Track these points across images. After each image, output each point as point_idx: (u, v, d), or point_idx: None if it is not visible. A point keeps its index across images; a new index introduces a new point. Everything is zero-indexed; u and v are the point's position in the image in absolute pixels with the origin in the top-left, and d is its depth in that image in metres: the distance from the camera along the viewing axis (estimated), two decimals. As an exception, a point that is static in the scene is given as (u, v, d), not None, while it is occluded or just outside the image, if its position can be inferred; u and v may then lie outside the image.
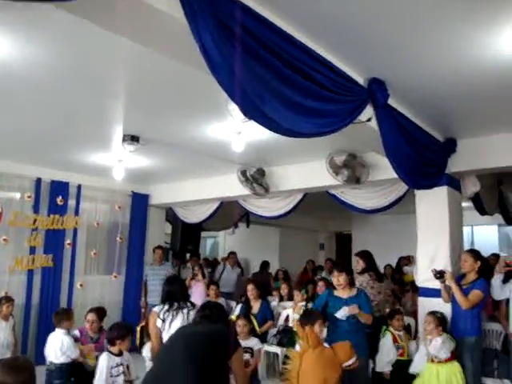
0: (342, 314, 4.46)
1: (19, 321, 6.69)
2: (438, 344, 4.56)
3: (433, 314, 4.88)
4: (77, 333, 5.25)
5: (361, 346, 4.24)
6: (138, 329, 5.29)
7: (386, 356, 5.11)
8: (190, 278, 8.15)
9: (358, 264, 5.82)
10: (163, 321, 4.20)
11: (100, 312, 5.39)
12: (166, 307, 4.29)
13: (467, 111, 4.68)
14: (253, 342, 4.89)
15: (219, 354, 2.96)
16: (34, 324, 7.19)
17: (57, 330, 4.94)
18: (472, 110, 4.65)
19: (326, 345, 2.98)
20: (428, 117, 4.87)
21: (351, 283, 4.70)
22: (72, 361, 4.83)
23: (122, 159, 6.45)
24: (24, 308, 7.08)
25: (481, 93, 4.19)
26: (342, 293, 4.61)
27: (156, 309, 4.37)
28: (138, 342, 5.19)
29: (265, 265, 11.25)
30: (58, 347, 4.78)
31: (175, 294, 4.40)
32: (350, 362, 2.74)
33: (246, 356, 4.64)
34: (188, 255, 10.61)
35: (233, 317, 5.54)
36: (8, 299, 5.75)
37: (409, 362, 4.98)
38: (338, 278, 4.61)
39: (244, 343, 4.56)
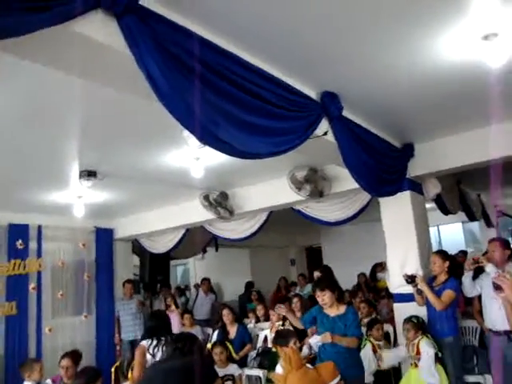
0: (314, 341, 4.37)
1: (-15, 376, 6.39)
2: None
3: (410, 320, 4.89)
4: (49, 382, 5.01)
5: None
6: (113, 369, 5.12)
7: (367, 366, 5.06)
8: (164, 309, 7.98)
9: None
10: (153, 356, 4.18)
11: (75, 356, 5.13)
12: (155, 342, 4.26)
13: (420, 116, 4.76)
14: (232, 369, 4.79)
15: None
16: (1, 378, 6.79)
17: (25, 382, 4.71)
18: (425, 114, 4.73)
19: (308, 365, 2.92)
20: (383, 125, 4.93)
21: (339, 299, 4.41)
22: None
23: (81, 195, 6.29)
24: (-11, 361, 6.75)
25: (429, 97, 4.27)
26: (330, 310, 4.27)
27: (144, 343, 4.34)
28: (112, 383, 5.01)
29: (249, 285, 11.18)
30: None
31: (160, 328, 4.35)
32: (334, 382, 2.70)
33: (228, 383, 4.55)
34: (158, 286, 10.41)
35: (209, 345, 5.41)
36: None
37: (388, 371, 4.96)
38: (322, 298, 4.26)
39: (223, 371, 4.47)
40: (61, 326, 7.77)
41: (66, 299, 7.96)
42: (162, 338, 4.28)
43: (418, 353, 4.66)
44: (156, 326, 4.44)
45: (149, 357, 4.19)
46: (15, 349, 6.98)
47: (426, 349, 4.62)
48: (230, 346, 5.44)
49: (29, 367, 4.82)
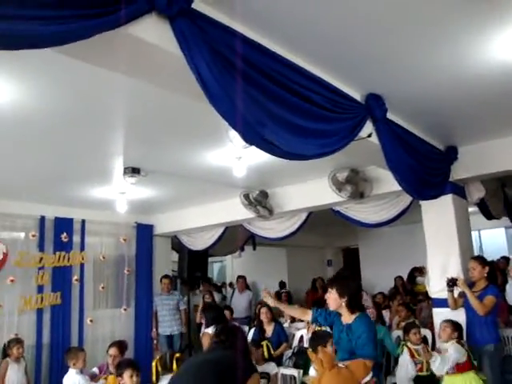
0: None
1: (31, 362, 6.64)
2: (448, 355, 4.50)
3: (449, 320, 4.83)
4: (95, 370, 5.21)
5: None
6: (154, 363, 5.24)
7: (405, 373, 5.02)
8: (203, 305, 8.09)
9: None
10: None
11: (121, 346, 5.33)
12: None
13: (465, 118, 4.68)
14: (269, 367, 4.81)
15: (228, 382, 2.93)
16: (46, 364, 7.09)
17: (70, 370, 4.89)
18: (470, 117, 4.65)
19: (340, 364, 2.92)
20: (427, 127, 4.87)
21: (351, 306, 3.53)
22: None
23: (124, 191, 6.44)
24: (35, 348, 7.00)
25: (477, 99, 4.18)
26: (343, 317, 3.60)
27: (209, 330, 4.41)
28: (153, 376, 5.13)
29: (282, 285, 11.22)
30: (73, 388, 4.73)
31: (222, 317, 4.46)
32: (368, 378, 2.70)
33: (263, 382, 4.58)
34: (200, 282, 10.51)
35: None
36: (18, 341, 5.71)
37: (428, 376, 4.89)
38: (327, 296, 3.67)
39: (259, 369, 4.50)
40: (101, 318, 7.98)
41: (106, 292, 8.18)
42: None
43: None
44: (218, 315, 4.55)
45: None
46: (59, 338, 7.24)
47: (452, 352, 4.52)
48: (268, 344, 5.46)
49: (74, 355, 5.00)
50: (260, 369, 4.68)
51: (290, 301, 9.43)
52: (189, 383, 2.96)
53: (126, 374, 4.04)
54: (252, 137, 2.77)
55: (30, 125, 4.15)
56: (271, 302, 4.36)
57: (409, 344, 5.15)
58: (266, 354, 5.42)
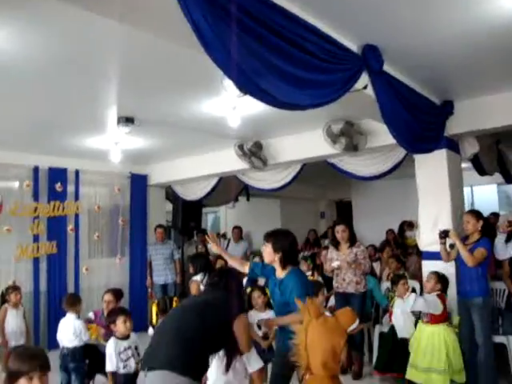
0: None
1: (29, 308, 6.79)
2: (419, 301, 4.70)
3: (435, 272, 4.97)
4: (91, 315, 5.35)
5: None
6: (153, 307, 5.42)
7: (402, 322, 5.16)
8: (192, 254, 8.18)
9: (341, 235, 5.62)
10: None
11: (117, 293, 5.44)
12: (206, 277, 4.54)
13: (464, 72, 4.63)
14: (269, 315, 4.91)
15: (214, 322, 3.03)
16: (44, 311, 7.28)
17: (68, 315, 5.00)
18: (469, 71, 4.60)
19: (327, 314, 3.00)
20: (424, 80, 4.82)
21: (285, 260, 3.58)
22: (85, 343, 4.93)
23: (118, 141, 6.42)
24: (33, 296, 7.17)
25: (476, 53, 4.13)
26: (277, 272, 3.65)
27: (198, 278, 4.74)
28: (154, 319, 5.32)
29: None
30: (71, 332, 4.85)
31: (209, 264, 4.54)
32: (354, 326, 2.77)
33: (263, 329, 4.68)
34: (195, 232, 10.60)
35: (248, 289, 5.52)
36: (15, 288, 5.81)
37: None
38: (263, 247, 3.72)
39: (261, 315, 4.59)
40: (96, 267, 8.12)
41: (101, 241, 8.29)
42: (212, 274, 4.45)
43: None
44: (206, 262, 4.64)
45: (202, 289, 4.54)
46: (56, 285, 7.40)
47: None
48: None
49: (72, 301, 5.10)
50: (261, 315, 4.73)
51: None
52: (173, 324, 3.05)
53: (119, 321, 4.16)
54: (247, 86, 2.75)
55: (22, 74, 4.10)
56: (215, 248, 4.44)
57: (397, 295, 5.27)
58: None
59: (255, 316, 4.51)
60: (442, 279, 4.84)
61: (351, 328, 2.71)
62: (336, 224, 5.76)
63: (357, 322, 2.72)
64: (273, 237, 3.66)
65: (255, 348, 3.45)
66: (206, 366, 3.05)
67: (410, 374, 4.72)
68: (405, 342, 5.00)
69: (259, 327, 4.68)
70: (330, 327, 2.67)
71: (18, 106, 5.02)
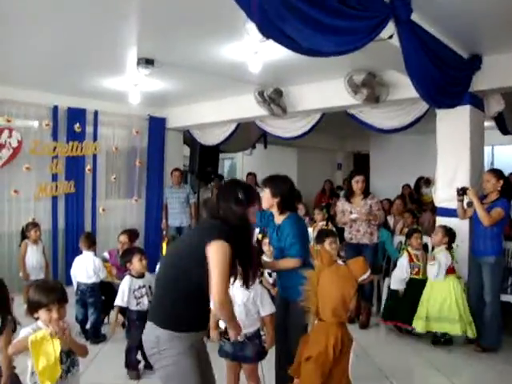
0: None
1: (48, 245, 6.98)
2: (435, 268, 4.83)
3: (443, 226, 5.04)
4: (106, 255, 5.51)
5: (293, 287, 3.23)
6: (164, 244, 5.62)
7: (400, 274, 5.25)
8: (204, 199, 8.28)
9: (358, 186, 5.71)
10: None
11: (132, 234, 5.59)
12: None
13: (494, 24, 4.43)
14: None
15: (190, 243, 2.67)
16: (62, 248, 7.50)
17: (85, 252, 5.15)
18: (500, 24, 4.40)
19: (340, 262, 3.04)
20: (453, 33, 4.64)
21: (283, 206, 3.57)
22: (101, 281, 5.10)
23: (137, 83, 6.37)
24: (51, 233, 7.36)
25: (510, 2, 3.95)
26: (276, 217, 3.66)
27: None
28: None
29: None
30: (91, 268, 5.03)
31: None
32: (365, 276, 2.80)
33: (272, 278, 4.77)
34: (212, 176, 10.64)
35: (259, 235, 5.58)
36: (35, 224, 5.97)
37: (421, 280, 5.13)
38: (261, 194, 3.55)
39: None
40: (113, 207, 8.27)
41: (118, 183, 8.40)
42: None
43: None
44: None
45: None
46: (73, 224, 7.58)
47: (444, 258, 4.84)
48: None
49: (87, 240, 5.24)
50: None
51: (300, 199, 9.59)
52: (159, 271, 2.74)
53: (135, 259, 4.30)
54: (270, 30, 2.70)
55: (43, 9, 4.04)
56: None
57: (409, 248, 5.32)
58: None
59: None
60: (448, 233, 4.89)
61: (362, 278, 2.75)
62: (356, 174, 5.77)
63: (368, 271, 2.75)
64: (271, 182, 3.64)
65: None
66: (194, 318, 2.55)
67: (418, 325, 4.84)
68: (397, 294, 5.28)
69: (270, 275, 4.78)
70: (341, 275, 2.73)
71: (38, 42, 4.96)
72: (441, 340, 4.93)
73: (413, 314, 4.95)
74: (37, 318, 2.55)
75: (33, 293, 2.56)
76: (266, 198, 3.56)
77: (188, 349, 2.46)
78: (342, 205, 5.81)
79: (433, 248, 5.22)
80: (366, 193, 5.67)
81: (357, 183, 5.62)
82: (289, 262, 3.40)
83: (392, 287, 5.35)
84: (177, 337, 2.44)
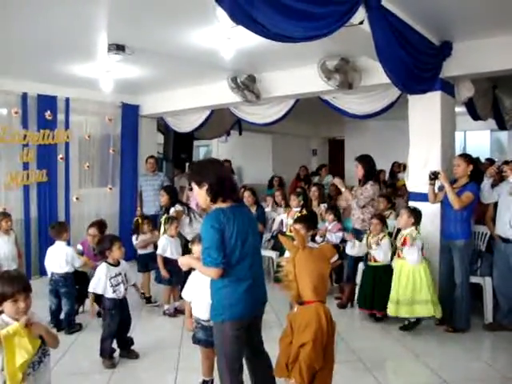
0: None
1: (20, 235, 6.87)
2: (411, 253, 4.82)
3: (408, 207, 5.11)
4: (80, 247, 5.46)
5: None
6: (135, 221, 6.39)
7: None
8: (189, 189, 8.23)
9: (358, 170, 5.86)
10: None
11: (101, 225, 5.58)
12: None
13: (464, 12, 4.47)
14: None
15: None
16: (35, 237, 7.39)
17: (57, 242, 5.10)
18: (469, 11, 4.44)
19: (311, 245, 3.14)
20: (424, 19, 4.67)
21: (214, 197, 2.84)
22: (74, 270, 5.06)
23: (109, 70, 6.26)
24: (23, 223, 7.24)
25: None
26: None
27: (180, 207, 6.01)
28: (133, 227, 6.26)
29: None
30: (63, 258, 4.97)
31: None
32: (335, 258, 2.91)
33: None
34: (187, 165, 10.59)
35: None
36: (5, 214, 5.85)
37: (384, 266, 5.22)
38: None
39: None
40: (87, 196, 8.19)
41: (92, 171, 8.30)
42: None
43: (404, 243, 4.87)
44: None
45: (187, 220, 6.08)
46: (46, 213, 7.47)
47: (419, 242, 4.84)
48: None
49: (59, 229, 5.18)
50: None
51: (282, 186, 9.73)
52: None
53: (115, 246, 4.30)
54: (239, 16, 2.68)
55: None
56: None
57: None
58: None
59: None
60: (413, 212, 4.93)
61: (333, 259, 2.86)
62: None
63: (336, 256, 2.86)
64: (195, 174, 2.96)
65: None
66: None
67: (391, 310, 4.90)
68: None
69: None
70: (316, 255, 2.84)
71: (4, 27, 4.82)
72: (408, 326, 4.95)
73: (386, 301, 4.99)
74: (0, 312, 2.44)
75: None
76: (198, 193, 2.89)
77: None
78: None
79: (398, 231, 5.28)
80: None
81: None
82: (206, 270, 2.79)
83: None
84: None
